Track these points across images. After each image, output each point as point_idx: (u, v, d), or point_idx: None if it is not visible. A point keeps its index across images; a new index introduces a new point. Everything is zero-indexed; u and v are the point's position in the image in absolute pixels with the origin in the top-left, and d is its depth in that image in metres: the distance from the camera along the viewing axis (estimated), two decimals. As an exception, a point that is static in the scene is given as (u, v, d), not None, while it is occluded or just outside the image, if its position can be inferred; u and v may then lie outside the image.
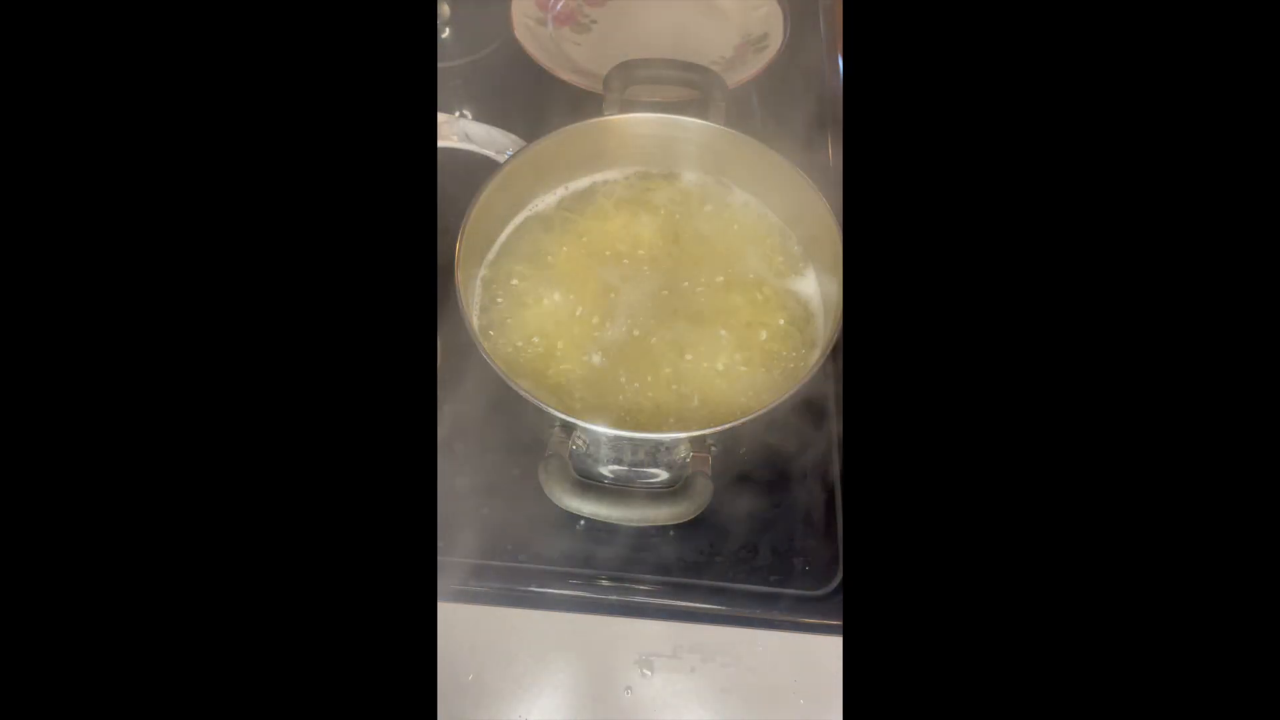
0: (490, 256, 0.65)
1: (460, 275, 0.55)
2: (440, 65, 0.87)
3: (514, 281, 0.63)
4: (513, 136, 0.75)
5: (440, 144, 0.74)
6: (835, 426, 0.66)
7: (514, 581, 0.59)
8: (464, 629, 0.58)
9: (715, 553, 0.60)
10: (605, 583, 0.59)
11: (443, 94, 0.87)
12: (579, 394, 0.59)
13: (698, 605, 0.58)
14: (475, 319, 0.61)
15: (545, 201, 0.68)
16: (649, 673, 0.57)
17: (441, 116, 0.75)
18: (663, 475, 0.57)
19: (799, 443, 0.64)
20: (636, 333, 0.61)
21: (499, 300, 0.63)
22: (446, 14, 0.88)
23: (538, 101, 0.79)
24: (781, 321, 0.62)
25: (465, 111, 0.85)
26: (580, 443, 0.52)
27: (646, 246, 0.65)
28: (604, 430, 0.50)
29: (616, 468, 0.56)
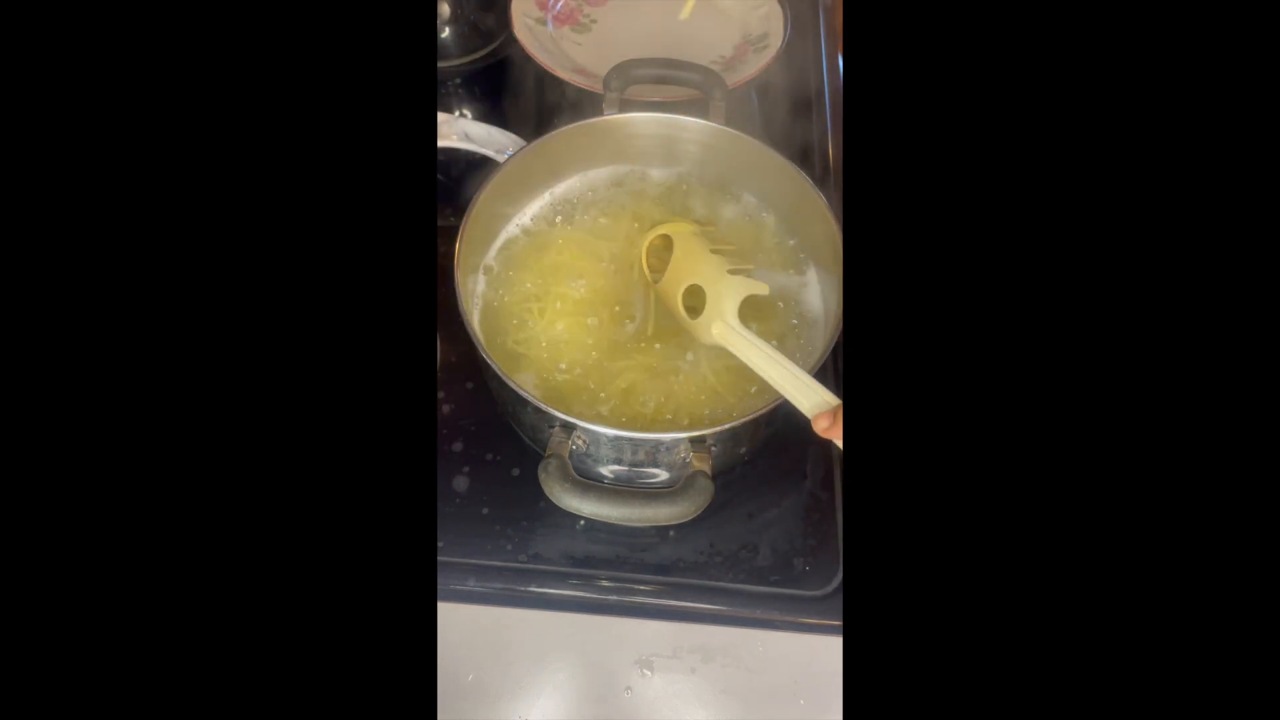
0: (490, 256, 0.65)
1: (460, 275, 0.55)
2: (440, 65, 0.87)
3: (513, 281, 0.63)
4: (513, 136, 0.75)
5: (440, 144, 0.74)
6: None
7: (514, 581, 0.59)
8: (464, 629, 0.58)
9: (715, 553, 0.60)
10: (605, 583, 0.59)
11: (443, 94, 0.87)
12: (579, 393, 0.59)
13: (698, 605, 0.59)
14: (475, 319, 0.61)
15: (545, 201, 0.68)
16: (649, 673, 0.57)
17: (441, 116, 0.75)
18: (663, 475, 0.57)
19: (799, 443, 0.64)
20: (636, 332, 0.61)
21: (498, 300, 0.63)
22: (446, 14, 0.88)
23: (538, 101, 0.79)
24: (781, 321, 0.62)
25: (465, 111, 0.85)
26: (580, 443, 0.52)
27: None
28: (604, 430, 0.50)
29: (616, 468, 0.56)
